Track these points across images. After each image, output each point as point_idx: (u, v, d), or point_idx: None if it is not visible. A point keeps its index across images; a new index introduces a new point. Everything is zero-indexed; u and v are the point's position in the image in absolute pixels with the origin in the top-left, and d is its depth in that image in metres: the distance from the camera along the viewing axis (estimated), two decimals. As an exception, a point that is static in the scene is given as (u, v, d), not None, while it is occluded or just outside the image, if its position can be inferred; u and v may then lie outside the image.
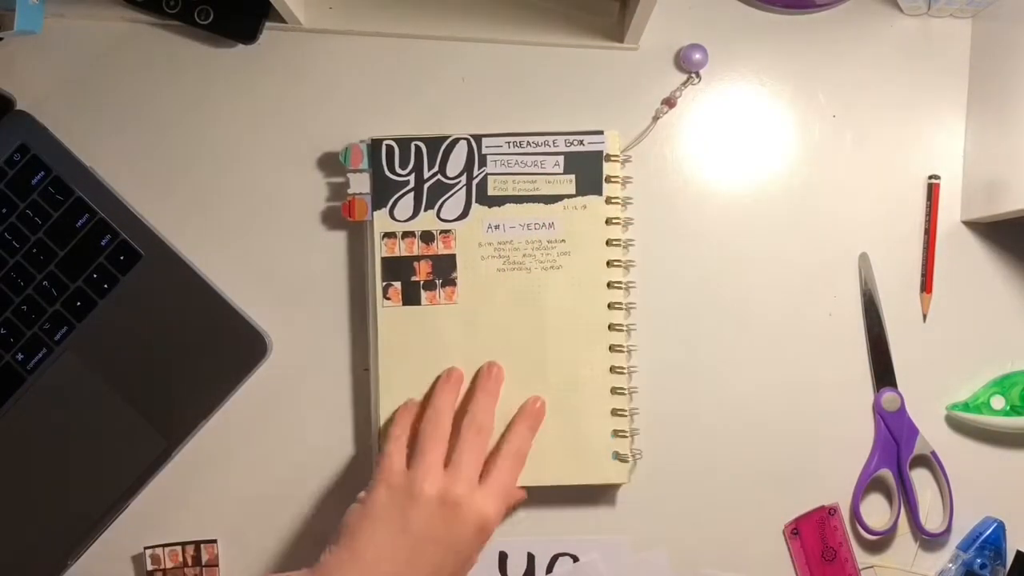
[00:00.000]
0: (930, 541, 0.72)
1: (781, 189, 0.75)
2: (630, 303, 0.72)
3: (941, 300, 0.74)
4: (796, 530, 0.72)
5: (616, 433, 0.71)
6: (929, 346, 0.74)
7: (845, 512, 0.73)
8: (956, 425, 0.74)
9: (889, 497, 0.73)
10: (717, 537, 0.73)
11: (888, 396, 0.73)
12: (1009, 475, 0.73)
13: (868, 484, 0.72)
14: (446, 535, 0.64)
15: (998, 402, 0.72)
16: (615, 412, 0.71)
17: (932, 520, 0.73)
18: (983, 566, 0.70)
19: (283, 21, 0.75)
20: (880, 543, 0.73)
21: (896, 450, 0.72)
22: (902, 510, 0.72)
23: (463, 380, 0.71)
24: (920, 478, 0.73)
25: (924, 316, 0.74)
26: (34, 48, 0.76)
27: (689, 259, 0.75)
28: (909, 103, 0.76)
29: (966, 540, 0.72)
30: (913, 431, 0.72)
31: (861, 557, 0.72)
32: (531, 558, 0.73)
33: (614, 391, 0.71)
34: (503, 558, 0.73)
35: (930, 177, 0.75)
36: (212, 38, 0.76)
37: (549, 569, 0.73)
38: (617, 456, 0.70)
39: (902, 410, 0.73)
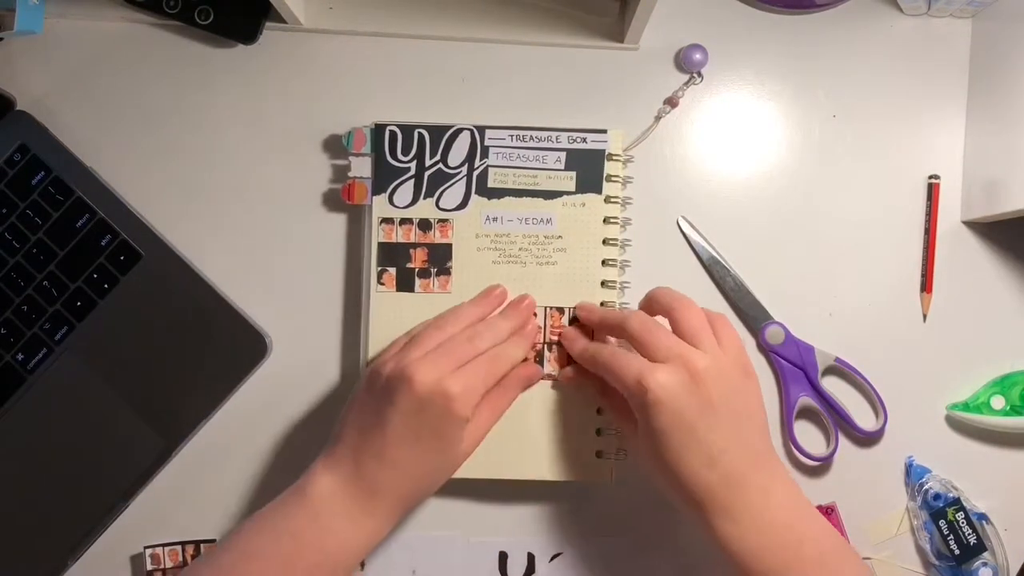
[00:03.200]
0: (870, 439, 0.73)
1: (781, 189, 0.75)
2: (624, 303, 0.72)
3: (941, 300, 0.74)
4: (796, 530, 0.72)
5: (601, 431, 0.71)
6: (929, 346, 0.74)
7: (780, 444, 0.73)
8: (956, 425, 0.74)
9: (818, 420, 0.74)
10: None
11: (771, 330, 0.73)
12: (1009, 475, 0.73)
13: (795, 417, 0.73)
14: (405, 410, 0.62)
15: (998, 402, 0.72)
16: (601, 411, 0.71)
17: (865, 420, 0.73)
18: (936, 497, 0.71)
19: (283, 21, 0.75)
20: (874, 535, 0.73)
21: (804, 375, 0.73)
22: (836, 425, 0.73)
23: (504, 299, 0.70)
24: (838, 387, 0.74)
25: (924, 316, 0.74)
26: (34, 48, 0.76)
27: (686, 260, 0.75)
28: (909, 103, 0.76)
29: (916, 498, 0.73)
30: (808, 350, 0.73)
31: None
32: (531, 558, 0.73)
33: None
34: (503, 558, 0.73)
35: (930, 177, 0.75)
36: (212, 38, 0.76)
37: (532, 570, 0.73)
38: (600, 455, 0.70)
39: (789, 337, 0.73)
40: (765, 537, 0.60)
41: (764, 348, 0.74)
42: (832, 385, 0.74)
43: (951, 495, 0.71)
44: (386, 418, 0.62)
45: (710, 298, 0.74)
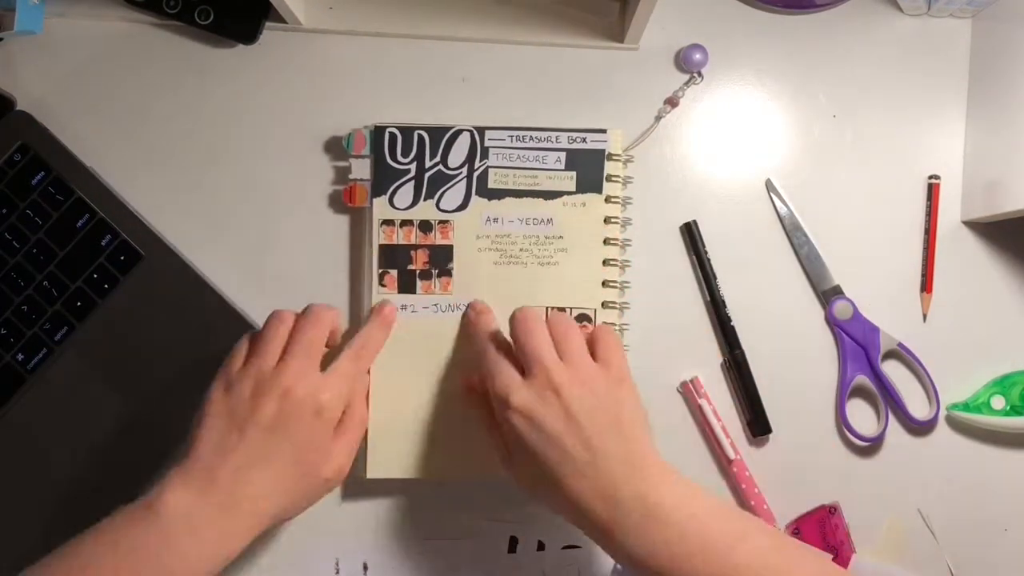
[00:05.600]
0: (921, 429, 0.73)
1: (781, 189, 0.75)
2: (624, 303, 0.72)
3: (941, 300, 0.74)
4: (797, 530, 0.72)
5: None
6: (929, 346, 0.74)
7: (831, 425, 0.73)
8: (956, 425, 0.74)
9: (872, 401, 0.74)
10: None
11: (839, 305, 0.73)
12: (1009, 475, 0.73)
13: (848, 395, 0.73)
14: (276, 420, 0.61)
15: (998, 402, 0.72)
16: None
17: (919, 409, 0.73)
18: None
19: (283, 21, 0.75)
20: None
21: (864, 354, 0.73)
22: (888, 409, 0.73)
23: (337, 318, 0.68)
24: (895, 372, 0.74)
25: (924, 316, 0.74)
26: (34, 48, 0.76)
27: (686, 260, 0.75)
28: (909, 103, 0.76)
29: None
30: (874, 330, 0.73)
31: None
32: (541, 545, 0.73)
33: None
34: (513, 542, 0.73)
35: (930, 177, 0.75)
36: (212, 38, 0.76)
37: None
38: None
39: (857, 314, 0.73)
40: (669, 547, 0.56)
41: (831, 322, 0.73)
42: (889, 368, 0.74)
43: None
44: (247, 432, 0.61)
45: (700, 305, 0.74)
